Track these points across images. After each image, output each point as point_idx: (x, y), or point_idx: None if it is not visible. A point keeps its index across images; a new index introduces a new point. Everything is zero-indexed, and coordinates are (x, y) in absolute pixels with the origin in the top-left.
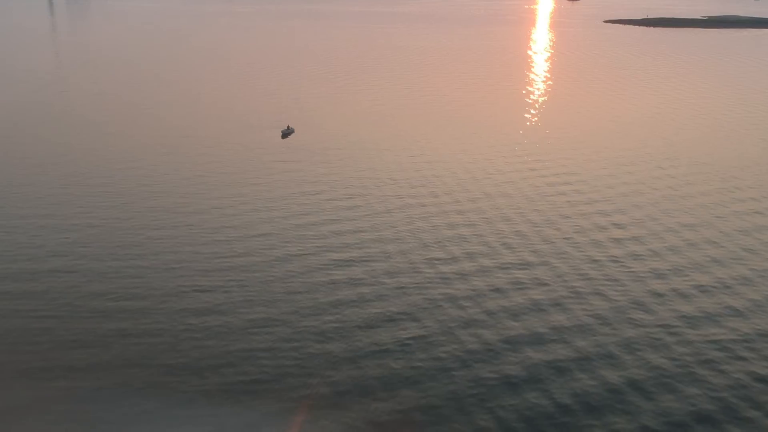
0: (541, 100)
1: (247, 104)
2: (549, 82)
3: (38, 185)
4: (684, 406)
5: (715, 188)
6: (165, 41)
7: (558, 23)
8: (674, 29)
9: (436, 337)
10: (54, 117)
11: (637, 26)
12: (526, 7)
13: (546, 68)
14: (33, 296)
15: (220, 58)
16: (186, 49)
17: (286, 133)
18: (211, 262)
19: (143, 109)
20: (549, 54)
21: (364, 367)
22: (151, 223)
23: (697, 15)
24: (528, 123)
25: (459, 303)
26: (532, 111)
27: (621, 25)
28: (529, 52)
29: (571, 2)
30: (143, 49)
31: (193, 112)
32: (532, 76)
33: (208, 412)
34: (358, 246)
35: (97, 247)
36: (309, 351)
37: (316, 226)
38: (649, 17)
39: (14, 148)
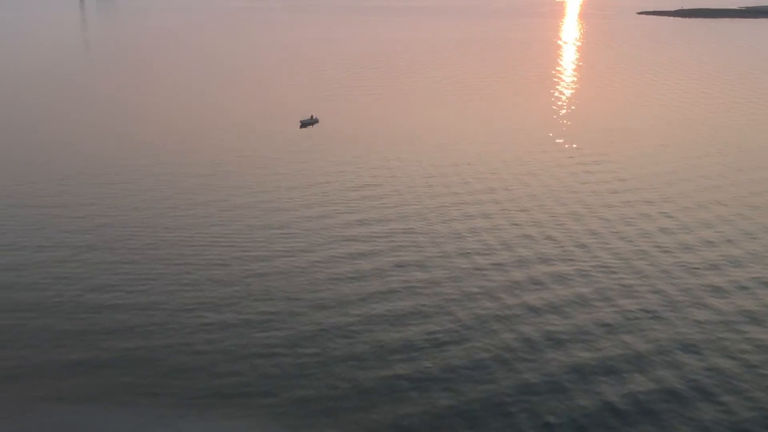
0: (574, 90)
1: (273, 95)
2: (582, 73)
3: (57, 175)
4: (746, 408)
5: (762, 177)
6: (191, 36)
7: (590, 15)
8: (709, 20)
9: (472, 333)
10: (75, 108)
11: (672, 17)
12: None
13: (579, 59)
14: (39, 289)
15: (246, 51)
16: (211, 44)
17: (308, 123)
18: (230, 253)
19: (166, 101)
20: (581, 45)
21: (393, 367)
22: (168, 213)
23: (732, 5)
24: (562, 113)
25: (496, 296)
26: (566, 101)
27: (655, 17)
28: (561, 44)
29: None
30: (169, 44)
31: (216, 104)
32: (564, 67)
33: (221, 417)
34: (385, 236)
35: (114, 238)
36: (332, 348)
37: (344, 215)
38: (683, 8)
39: (36, 140)
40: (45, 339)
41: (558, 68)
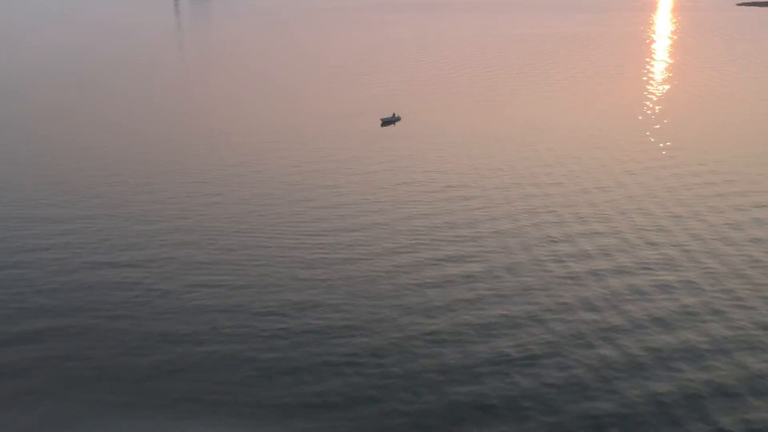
0: (671, 86)
1: (354, 93)
2: (679, 69)
3: (145, 173)
4: None
5: None
6: (278, 36)
7: (685, 8)
8: None
9: (567, 346)
10: (166, 106)
11: None
12: None
13: (675, 54)
14: (124, 288)
15: (331, 50)
16: (296, 43)
17: (390, 121)
18: (312, 255)
19: (250, 100)
20: (677, 39)
21: (482, 381)
22: (252, 213)
23: None
24: (659, 110)
25: (593, 307)
26: (663, 98)
27: (757, 8)
28: (656, 38)
29: None
30: (257, 44)
31: (297, 102)
32: (660, 62)
33: (302, 428)
34: (473, 240)
35: (200, 238)
36: (418, 358)
37: (427, 218)
38: None
39: (127, 139)
40: (127, 340)
41: (653, 63)
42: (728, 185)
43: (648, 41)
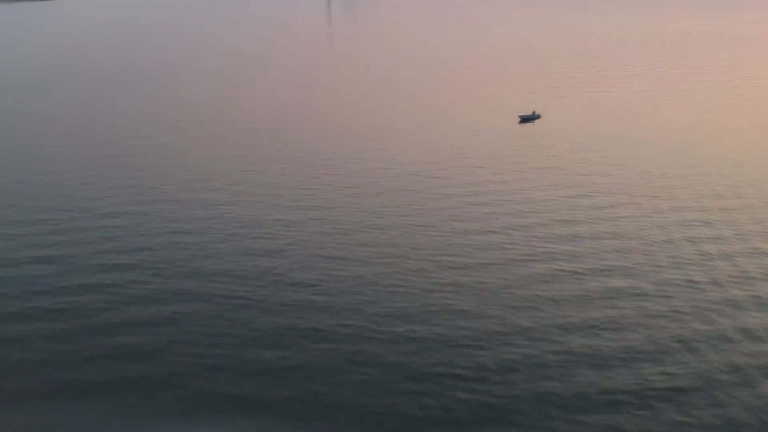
0: None
1: (495, 89)
2: None
3: (278, 162)
4: None
5: None
6: (424, 31)
7: None
8: None
9: (722, 381)
10: (302, 97)
11: None
12: None
13: None
14: (244, 277)
15: (478, 44)
16: (442, 38)
17: (529, 118)
18: (442, 256)
19: (392, 92)
20: None
21: (621, 410)
22: (379, 207)
23: None
24: None
25: (755, 337)
26: None
27: None
28: None
29: None
30: (404, 37)
31: (441, 96)
32: None
33: None
34: (618, 252)
35: (322, 228)
36: (550, 377)
37: (567, 224)
38: None
39: (270, 127)
40: (252, 330)
41: None
42: None
43: None
